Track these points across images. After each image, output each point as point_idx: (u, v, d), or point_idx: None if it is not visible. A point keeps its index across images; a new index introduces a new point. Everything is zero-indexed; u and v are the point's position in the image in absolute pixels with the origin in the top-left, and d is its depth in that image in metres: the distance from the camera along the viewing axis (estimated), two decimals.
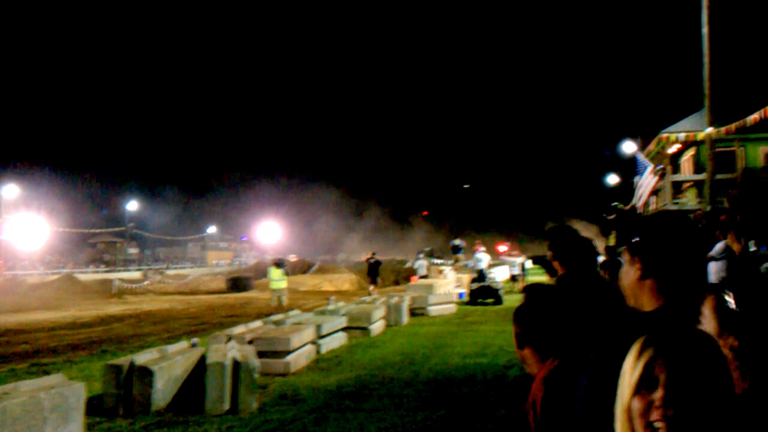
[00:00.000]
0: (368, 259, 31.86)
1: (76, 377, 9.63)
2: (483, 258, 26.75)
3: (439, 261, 57.81)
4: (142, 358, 8.61)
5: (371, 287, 30.23)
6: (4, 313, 24.25)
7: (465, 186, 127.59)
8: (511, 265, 34.49)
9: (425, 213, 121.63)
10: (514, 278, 33.86)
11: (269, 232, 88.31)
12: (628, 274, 1.99)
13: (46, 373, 10.33)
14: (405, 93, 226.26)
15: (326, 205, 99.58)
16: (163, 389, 8.32)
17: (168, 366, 8.51)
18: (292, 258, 60.68)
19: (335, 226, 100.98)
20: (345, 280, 44.31)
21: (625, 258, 2.01)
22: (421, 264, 33.91)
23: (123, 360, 8.58)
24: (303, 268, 51.80)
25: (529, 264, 52.40)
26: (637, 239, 2.00)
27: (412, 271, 39.02)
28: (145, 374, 8.17)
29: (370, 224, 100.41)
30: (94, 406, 8.08)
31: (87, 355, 13.46)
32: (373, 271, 31.06)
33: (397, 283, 42.33)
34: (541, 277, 40.44)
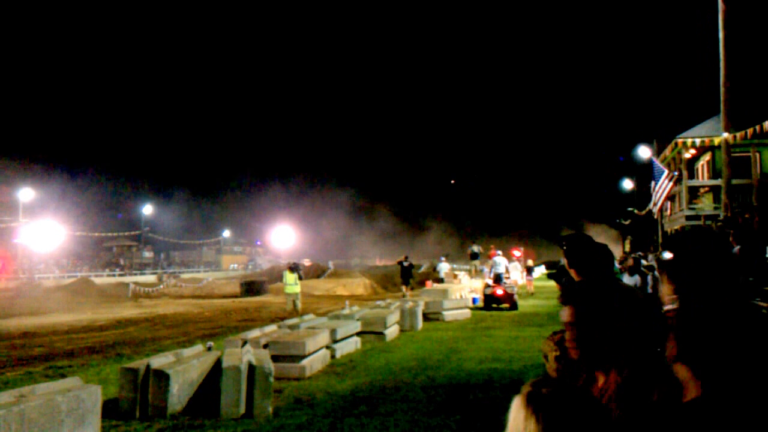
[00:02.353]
0: (401, 262, 33.55)
1: (93, 380, 9.70)
2: (501, 262, 26.71)
3: (453, 266, 57.77)
4: (158, 361, 8.63)
5: (404, 288, 31.69)
6: (20, 316, 24.43)
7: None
8: (514, 269, 34.58)
9: (438, 217, 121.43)
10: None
11: (283, 236, 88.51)
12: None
13: (63, 376, 10.39)
14: (420, 97, 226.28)
15: (339, 209, 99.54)
16: (179, 393, 8.34)
17: (184, 370, 8.53)
18: (306, 262, 60.76)
19: (348, 229, 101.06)
20: (359, 284, 44.29)
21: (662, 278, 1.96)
22: (443, 266, 34.61)
23: (139, 363, 8.60)
24: (317, 272, 51.88)
25: (542, 269, 52.24)
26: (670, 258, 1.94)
27: (426, 276, 39.22)
28: (161, 378, 8.19)
29: (383, 228, 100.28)
30: (110, 410, 8.11)
31: (103, 359, 13.52)
32: (406, 274, 32.77)
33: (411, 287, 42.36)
34: (546, 282, 40.36)
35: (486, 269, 29.11)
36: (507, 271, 27.05)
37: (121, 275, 67.47)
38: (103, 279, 57.82)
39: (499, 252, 27.95)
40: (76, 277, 52.70)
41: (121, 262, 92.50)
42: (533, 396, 1.54)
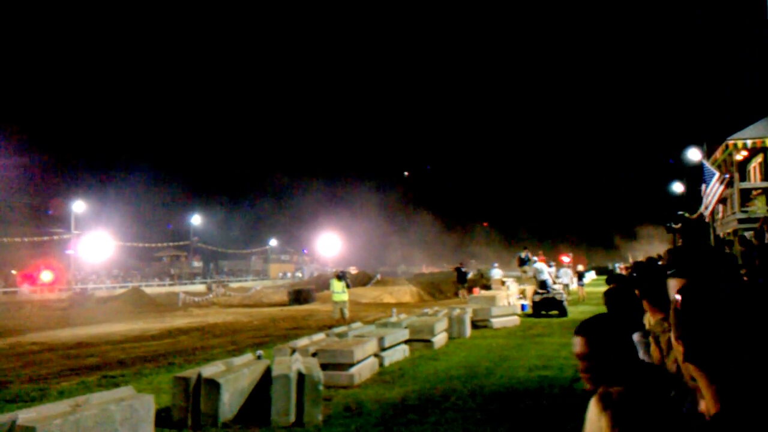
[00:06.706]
0: (457, 268, 37.96)
1: (145, 389, 9.82)
2: (543, 269, 26.46)
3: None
4: (209, 370, 8.71)
5: (462, 291, 34.54)
6: (74, 326, 24.86)
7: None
8: (565, 275, 34.31)
9: (485, 224, 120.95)
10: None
11: (329, 244, 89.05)
12: None
13: (116, 385, 10.54)
14: (466, 100, 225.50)
15: (385, 217, 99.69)
16: (229, 401, 8.40)
17: (234, 378, 8.60)
18: (353, 270, 60.96)
19: (394, 237, 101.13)
20: (405, 292, 44.12)
21: None
22: (496, 273, 34.96)
23: (190, 372, 8.69)
24: (363, 280, 51.89)
25: (592, 275, 51.58)
26: None
27: (474, 283, 39.23)
28: (212, 387, 8.26)
29: (429, 235, 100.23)
30: (162, 418, 8.20)
31: (155, 368, 13.68)
32: (461, 278, 36.76)
33: (457, 294, 42.18)
34: (596, 288, 39.78)
35: (532, 274, 28.99)
36: (552, 276, 26.90)
37: (171, 285, 68.47)
38: (154, 289, 58.69)
39: (535, 258, 28.09)
40: (128, 287, 53.53)
41: (172, 272, 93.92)
42: (605, 396, 1.65)
